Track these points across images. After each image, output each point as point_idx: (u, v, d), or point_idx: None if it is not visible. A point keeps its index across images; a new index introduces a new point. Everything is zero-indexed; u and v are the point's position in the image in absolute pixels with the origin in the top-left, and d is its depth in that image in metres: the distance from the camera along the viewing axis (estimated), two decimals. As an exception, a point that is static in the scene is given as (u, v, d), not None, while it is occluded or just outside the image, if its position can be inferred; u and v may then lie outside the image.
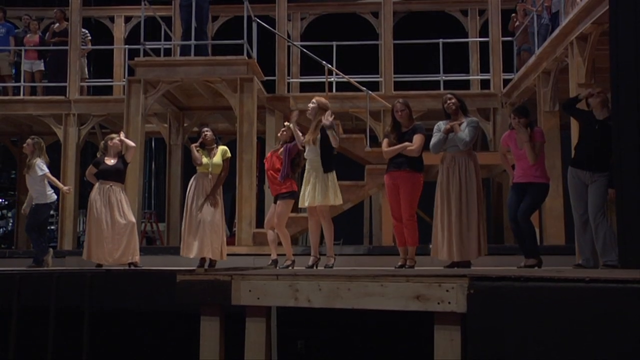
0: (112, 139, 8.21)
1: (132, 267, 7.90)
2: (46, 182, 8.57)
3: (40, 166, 8.49)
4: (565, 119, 8.97)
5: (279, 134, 7.64)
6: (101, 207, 7.87)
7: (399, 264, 6.62)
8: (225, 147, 7.82)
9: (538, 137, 6.62)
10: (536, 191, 6.57)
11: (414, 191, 6.53)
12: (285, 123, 7.66)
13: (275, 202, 7.44)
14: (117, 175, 8.06)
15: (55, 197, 8.87)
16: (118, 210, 7.91)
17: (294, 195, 7.26)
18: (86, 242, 7.97)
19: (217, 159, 7.67)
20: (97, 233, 7.84)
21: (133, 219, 8.05)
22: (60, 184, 8.94)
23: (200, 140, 7.74)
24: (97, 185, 8.01)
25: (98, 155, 8.38)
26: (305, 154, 6.85)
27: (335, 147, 6.68)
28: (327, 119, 6.59)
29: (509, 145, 6.81)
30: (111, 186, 7.96)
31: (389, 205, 6.98)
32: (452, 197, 6.44)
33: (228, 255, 8.02)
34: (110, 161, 8.08)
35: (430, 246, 6.72)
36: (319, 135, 6.67)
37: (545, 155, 6.89)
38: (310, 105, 6.86)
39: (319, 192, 6.64)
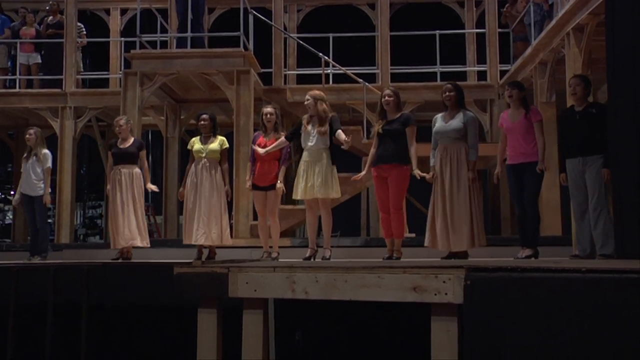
0: (119, 123, 8.14)
1: (126, 260, 7.92)
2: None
3: (48, 158, 8.56)
4: (562, 110, 8.95)
5: (266, 121, 7.37)
6: (112, 192, 8.00)
7: (387, 255, 6.63)
8: (223, 138, 7.84)
9: (536, 117, 6.60)
10: (534, 170, 6.56)
11: (402, 183, 6.55)
12: (268, 108, 7.56)
13: (262, 190, 7.29)
14: (126, 157, 8.06)
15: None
16: (125, 192, 7.93)
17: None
18: (110, 231, 8.15)
19: (214, 145, 7.68)
20: (113, 218, 7.98)
21: (132, 206, 7.96)
22: (48, 188, 8.71)
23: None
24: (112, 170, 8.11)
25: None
26: (308, 144, 6.80)
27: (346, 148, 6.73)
28: (346, 141, 6.59)
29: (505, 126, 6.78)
30: (120, 169, 8.01)
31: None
32: (445, 187, 6.45)
33: (225, 248, 8.02)
34: (122, 144, 8.12)
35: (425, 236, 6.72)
36: (327, 127, 6.70)
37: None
38: (307, 102, 6.86)
39: (322, 184, 6.66)
